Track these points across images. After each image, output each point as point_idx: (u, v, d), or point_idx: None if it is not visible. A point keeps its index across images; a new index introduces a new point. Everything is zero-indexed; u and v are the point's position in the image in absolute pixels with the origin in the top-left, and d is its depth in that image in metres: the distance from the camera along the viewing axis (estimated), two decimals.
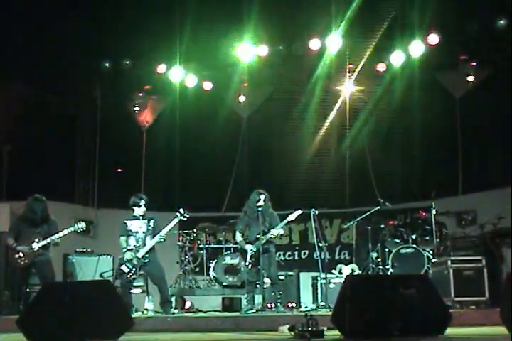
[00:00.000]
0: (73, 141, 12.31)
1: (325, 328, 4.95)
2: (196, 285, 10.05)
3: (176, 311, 8.47)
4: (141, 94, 12.50)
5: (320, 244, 8.83)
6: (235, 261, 9.85)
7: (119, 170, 12.75)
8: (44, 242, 7.82)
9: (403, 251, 9.53)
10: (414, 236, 9.79)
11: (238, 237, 8.47)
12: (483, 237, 8.74)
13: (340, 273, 9.59)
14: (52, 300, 5.06)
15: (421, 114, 11.17)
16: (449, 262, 8.15)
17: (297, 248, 12.22)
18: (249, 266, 8.20)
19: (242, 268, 9.42)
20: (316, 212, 8.38)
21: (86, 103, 12.42)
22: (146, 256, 7.85)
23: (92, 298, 5.06)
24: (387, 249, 9.79)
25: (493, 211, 9.13)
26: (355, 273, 9.42)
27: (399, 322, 4.72)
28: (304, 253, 12.16)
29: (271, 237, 8.15)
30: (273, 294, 8.40)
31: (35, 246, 7.80)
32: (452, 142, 11.51)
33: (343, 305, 4.90)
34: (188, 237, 10.40)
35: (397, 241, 9.90)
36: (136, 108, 12.56)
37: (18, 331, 4.99)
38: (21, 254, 7.80)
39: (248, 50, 11.29)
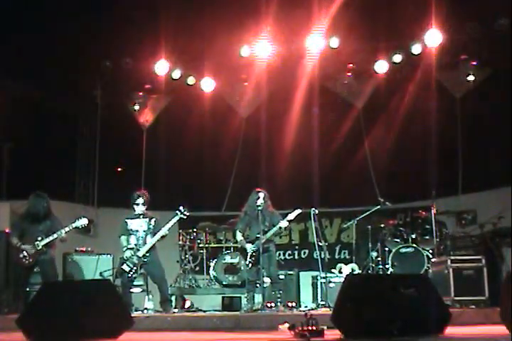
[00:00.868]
0: (73, 140, 12.32)
1: (325, 327, 4.94)
2: (196, 285, 10.07)
3: (176, 310, 8.49)
4: (141, 94, 12.50)
5: (320, 244, 8.83)
6: (235, 261, 9.87)
7: (119, 170, 12.76)
8: (47, 240, 7.83)
9: (403, 250, 9.55)
10: (414, 236, 9.80)
11: (239, 236, 8.49)
12: (483, 237, 8.74)
13: (340, 272, 9.59)
14: (52, 299, 5.06)
15: (421, 113, 11.17)
16: (448, 261, 8.15)
17: (297, 247, 12.24)
18: (249, 265, 8.22)
19: (242, 268, 9.44)
20: (316, 211, 8.39)
21: (86, 103, 12.42)
22: (147, 254, 7.86)
23: (92, 297, 5.06)
24: (387, 249, 9.80)
25: (493, 211, 9.12)
26: (355, 273, 9.41)
27: (399, 321, 4.73)
28: (304, 253, 12.17)
29: (280, 228, 8.14)
30: (273, 293, 8.43)
31: (39, 244, 7.81)
32: (452, 142, 11.51)
33: (343, 304, 4.91)
34: (188, 236, 10.42)
35: (397, 240, 9.92)
36: (136, 107, 12.56)
37: (18, 330, 4.99)
38: (25, 253, 7.82)
39: (249, 50, 11.30)
